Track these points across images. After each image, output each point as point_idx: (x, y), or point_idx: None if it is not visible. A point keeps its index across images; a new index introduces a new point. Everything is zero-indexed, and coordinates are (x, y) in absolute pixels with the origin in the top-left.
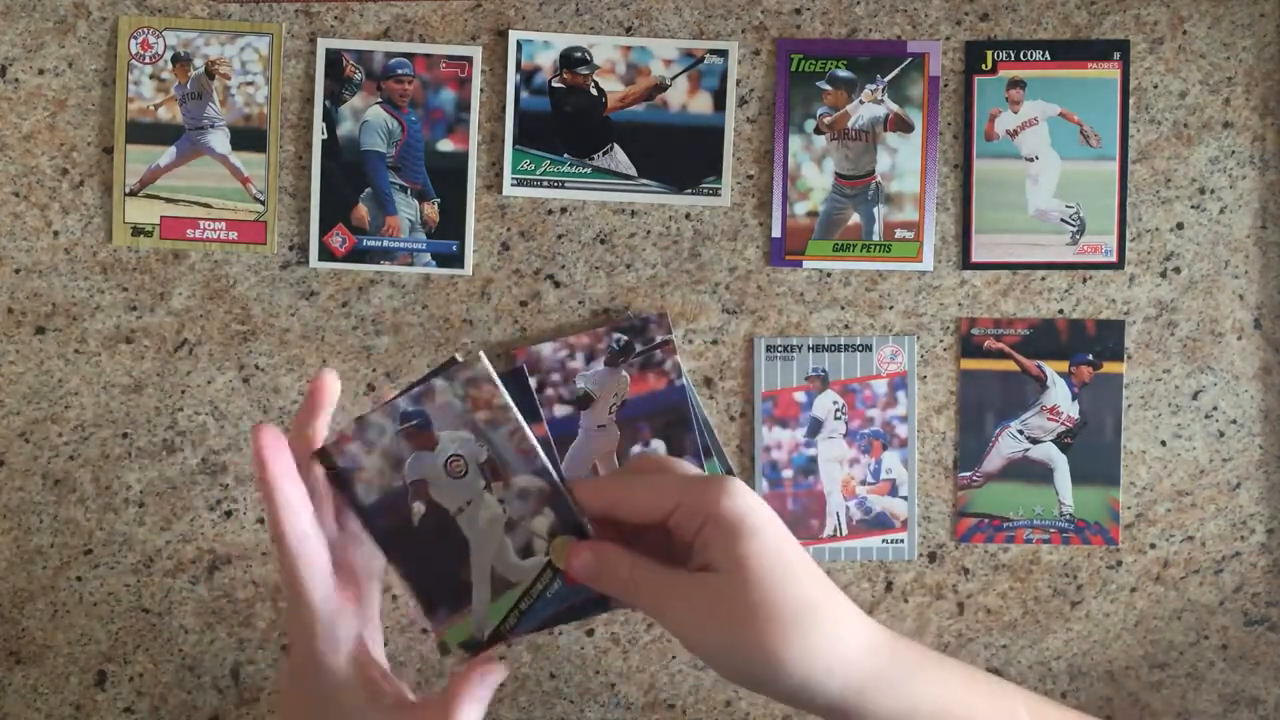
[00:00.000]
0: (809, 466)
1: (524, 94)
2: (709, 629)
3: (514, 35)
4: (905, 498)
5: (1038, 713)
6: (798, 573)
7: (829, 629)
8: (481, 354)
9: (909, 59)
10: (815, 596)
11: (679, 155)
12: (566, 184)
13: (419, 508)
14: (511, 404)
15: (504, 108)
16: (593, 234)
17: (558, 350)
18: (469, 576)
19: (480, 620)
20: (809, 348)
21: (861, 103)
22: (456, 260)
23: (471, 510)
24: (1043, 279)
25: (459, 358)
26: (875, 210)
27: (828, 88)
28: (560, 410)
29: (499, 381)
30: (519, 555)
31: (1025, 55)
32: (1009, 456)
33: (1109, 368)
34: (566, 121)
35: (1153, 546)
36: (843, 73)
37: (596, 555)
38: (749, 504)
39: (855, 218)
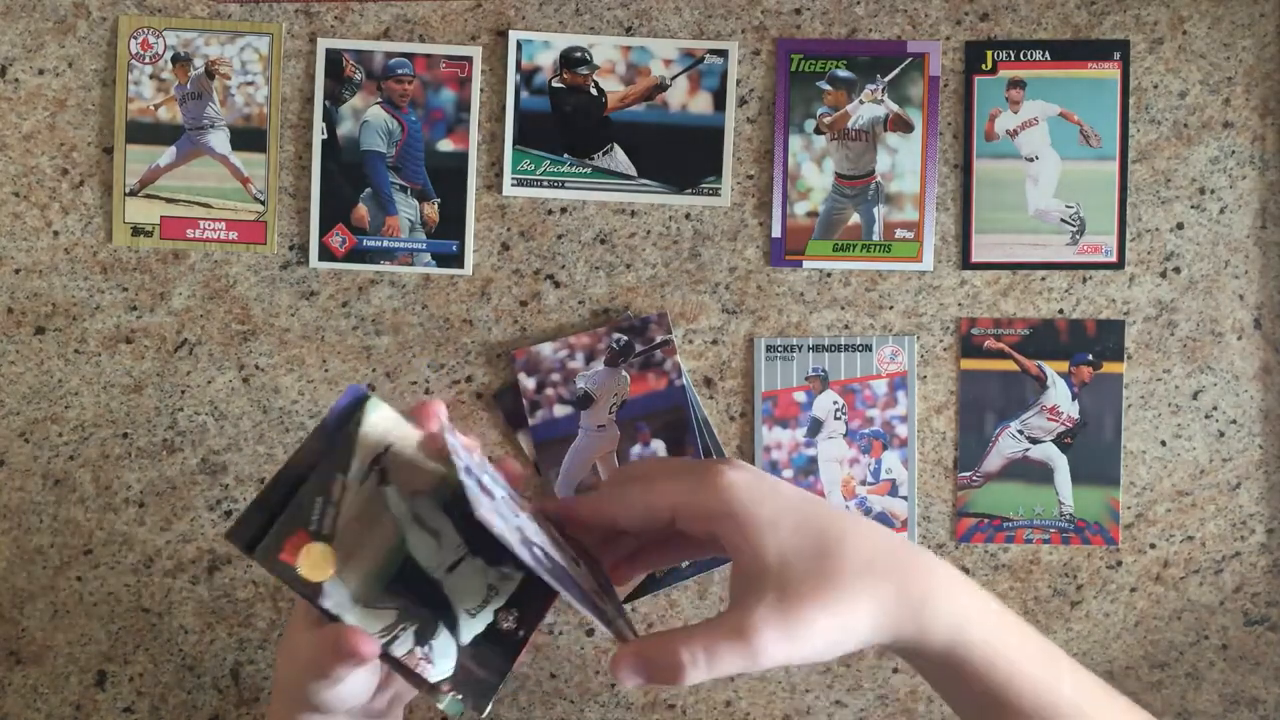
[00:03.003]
0: (809, 466)
1: (524, 94)
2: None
3: (514, 35)
4: (905, 498)
5: (1080, 682)
6: (838, 535)
7: (927, 590)
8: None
9: (909, 59)
10: (859, 558)
11: (679, 155)
12: (566, 184)
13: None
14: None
15: (504, 108)
16: (593, 234)
17: (558, 350)
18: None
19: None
20: (809, 348)
21: (861, 103)
22: (456, 260)
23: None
24: (1043, 279)
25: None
26: (875, 210)
27: (828, 88)
28: (560, 410)
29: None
30: None
31: (1025, 55)
32: (1009, 456)
33: (1109, 368)
34: (566, 121)
35: (1153, 546)
36: (843, 73)
37: (640, 659)
38: (749, 494)
39: (855, 218)
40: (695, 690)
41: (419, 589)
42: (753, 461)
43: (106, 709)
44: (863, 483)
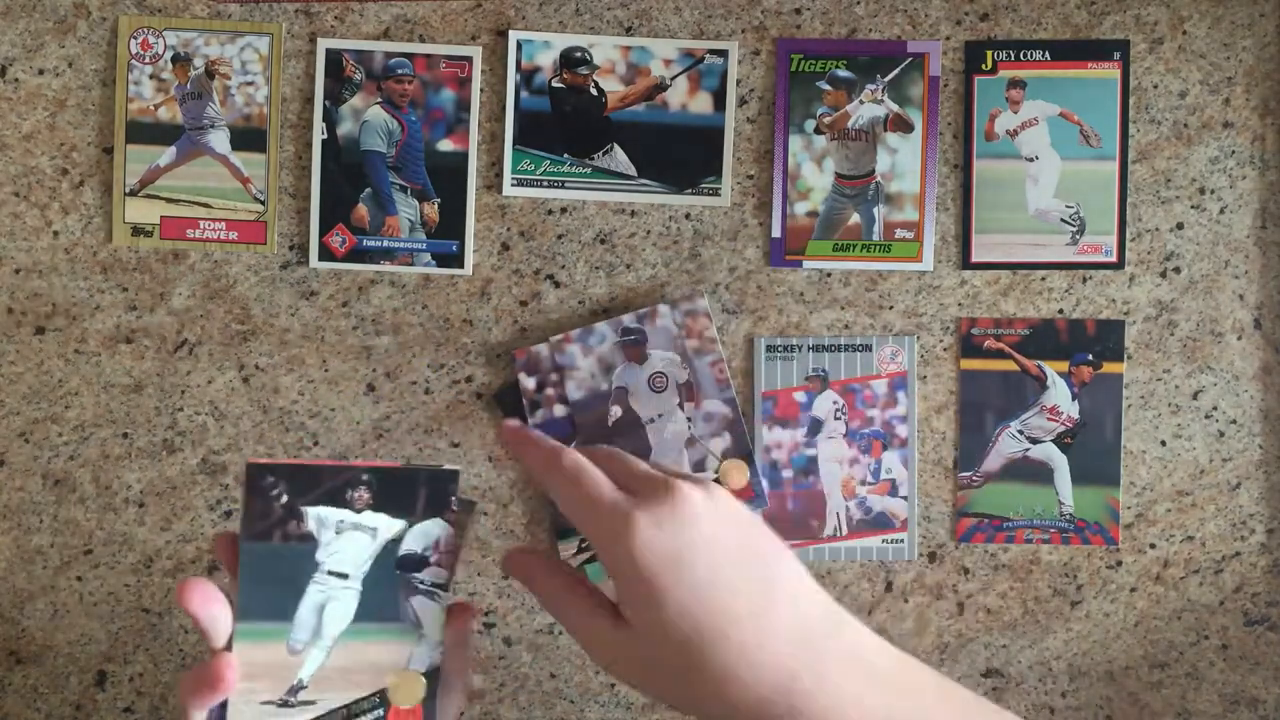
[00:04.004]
0: (809, 466)
1: (524, 94)
2: (637, 679)
3: (514, 35)
4: (905, 498)
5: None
6: (706, 637)
7: (737, 655)
8: (703, 289)
9: (909, 59)
10: (715, 619)
11: (679, 155)
12: (566, 184)
13: (616, 411)
14: (718, 338)
15: (504, 108)
16: (593, 234)
17: (556, 351)
18: None
19: None
20: (809, 348)
21: (861, 103)
22: (456, 260)
23: (661, 422)
24: (1043, 279)
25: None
26: (875, 210)
27: (828, 88)
28: (560, 410)
29: (712, 316)
30: (692, 469)
31: (1025, 55)
32: (1009, 456)
33: (1109, 368)
34: (566, 121)
35: (1153, 546)
36: (843, 73)
37: (523, 564)
38: (649, 561)
39: (855, 218)
40: None
41: None
42: (753, 461)
43: (106, 709)
44: (863, 483)
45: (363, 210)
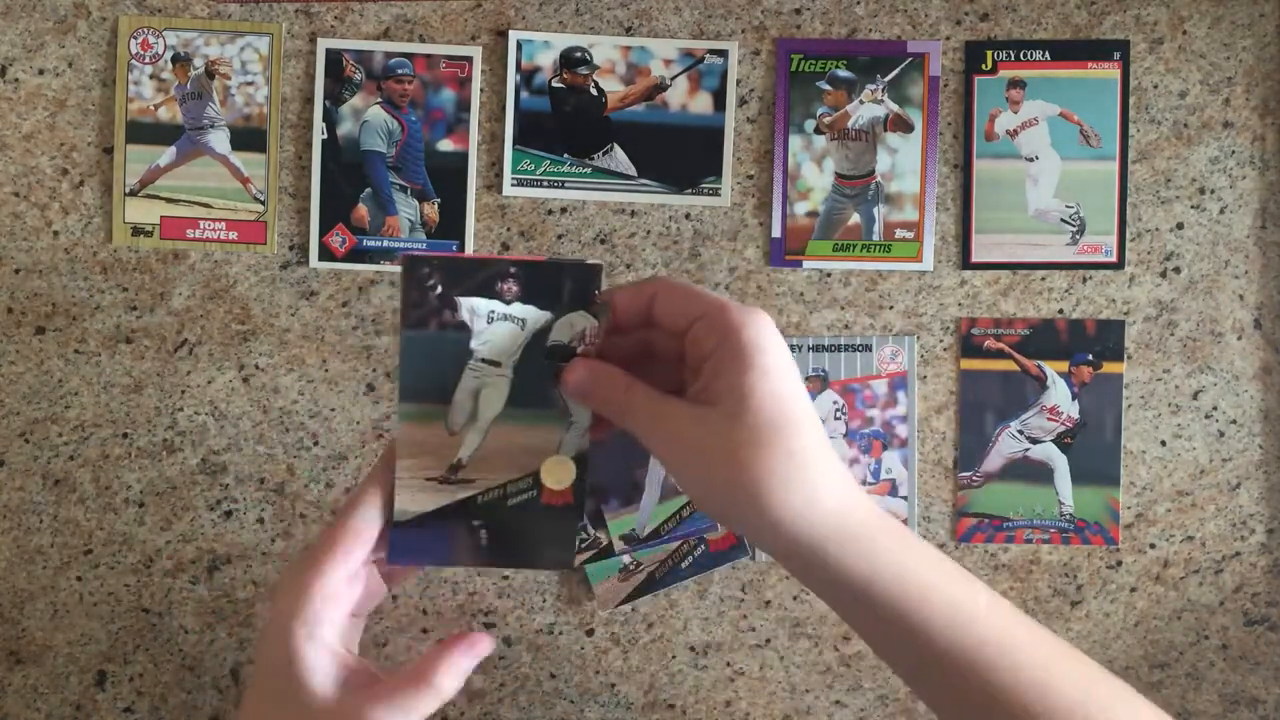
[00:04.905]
0: None
1: (524, 94)
2: (696, 460)
3: (514, 35)
4: (905, 498)
5: (997, 604)
6: (796, 420)
7: (812, 477)
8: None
9: (909, 59)
10: (807, 445)
11: (679, 155)
12: (566, 184)
13: None
14: None
15: (504, 108)
16: (593, 234)
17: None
18: (644, 478)
19: (645, 519)
20: (809, 348)
21: (861, 103)
22: None
23: None
24: (1043, 279)
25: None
26: (875, 210)
27: (828, 88)
28: None
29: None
30: None
31: (1025, 55)
32: (1009, 456)
33: (1109, 368)
34: (566, 121)
35: (1153, 546)
36: (843, 73)
37: (591, 372)
38: (769, 340)
39: (855, 218)
40: (695, 690)
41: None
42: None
43: (106, 709)
44: (863, 483)
45: (363, 210)
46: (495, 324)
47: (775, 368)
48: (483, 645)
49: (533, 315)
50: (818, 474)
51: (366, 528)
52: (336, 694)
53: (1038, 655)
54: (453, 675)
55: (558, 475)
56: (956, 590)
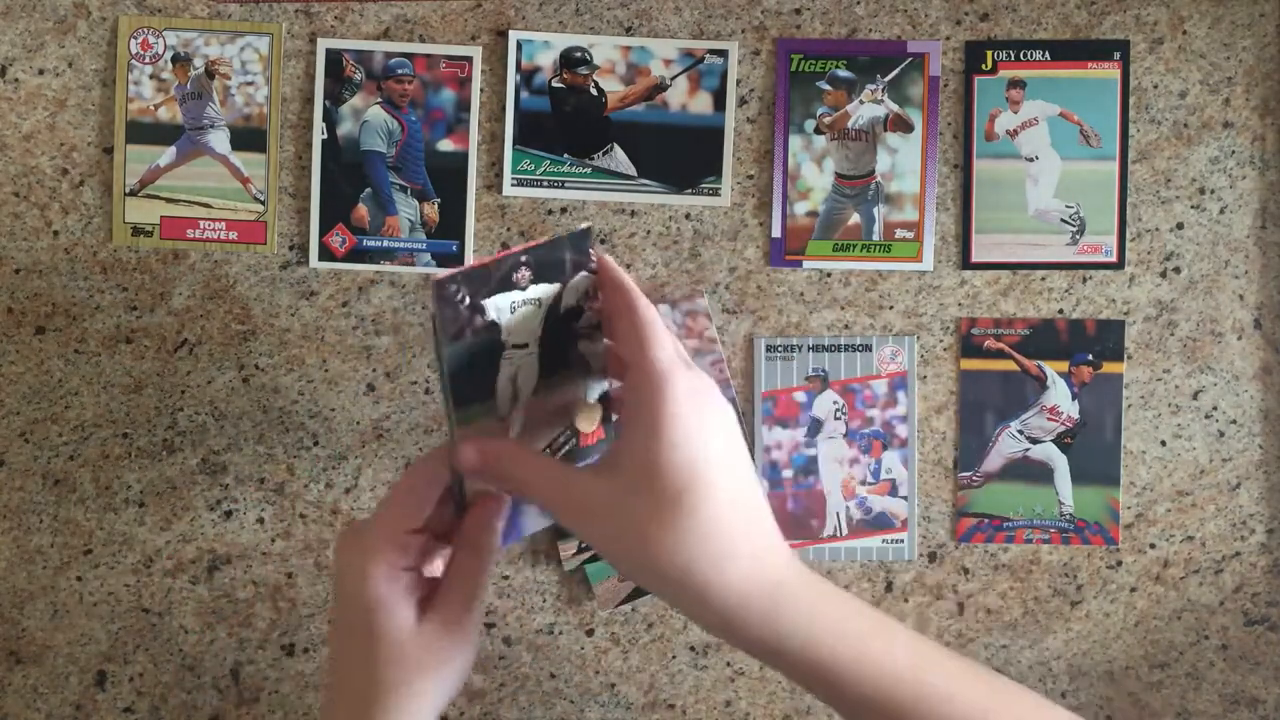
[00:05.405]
0: (809, 466)
1: (524, 94)
2: (606, 533)
3: (514, 35)
4: (905, 498)
5: (915, 647)
6: (703, 488)
7: (717, 547)
8: (703, 289)
9: (909, 59)
10: (714, 515)
11: (679, 155)
12: (566, 184)
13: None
14: (719, 338)
15: (504, 108)
16: (592, 234)
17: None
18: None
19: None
20: (809, 348)
21: (861, 103)
22: (457, 260)
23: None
24: (1043, 279)
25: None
26: (875, 210)
27: (828, 88)
28: None
29: (712, 316)
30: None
31: (1025, 55)
32: (1009, 456)
33: (1109, 368)
34: (566, 121)
35: (1153, 546)
36: (843, 73)
37: (479, 453)
38: (683, 407)
39: (855, 218)
40: (695, 690)
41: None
42: (753, 461)
43: (106, 709)
44: (863, 483)
45: (363, 210)
46: (518, 311)
47: (685, 440)
48: (502, 504)
49: (545, 292)
50: (725, 543)
51: (434, 468)
52: (407, 612)
53: (949, 685)
54: (486, 531)
55: (589, 418)
56: (866, 644)
